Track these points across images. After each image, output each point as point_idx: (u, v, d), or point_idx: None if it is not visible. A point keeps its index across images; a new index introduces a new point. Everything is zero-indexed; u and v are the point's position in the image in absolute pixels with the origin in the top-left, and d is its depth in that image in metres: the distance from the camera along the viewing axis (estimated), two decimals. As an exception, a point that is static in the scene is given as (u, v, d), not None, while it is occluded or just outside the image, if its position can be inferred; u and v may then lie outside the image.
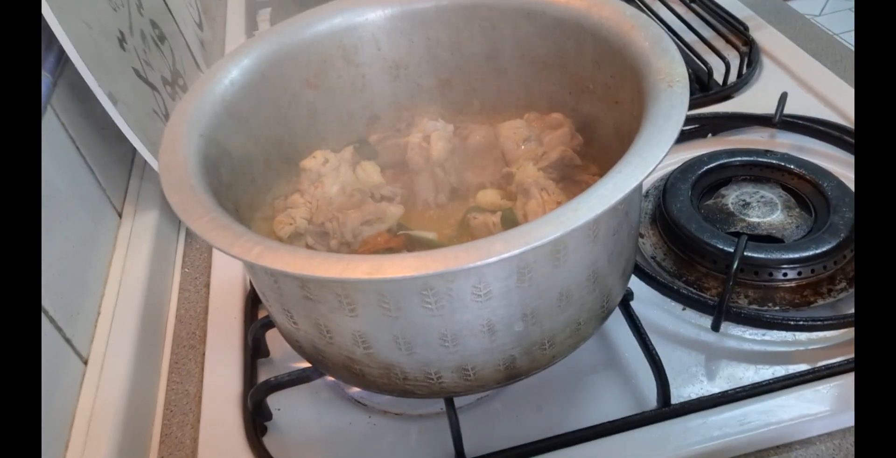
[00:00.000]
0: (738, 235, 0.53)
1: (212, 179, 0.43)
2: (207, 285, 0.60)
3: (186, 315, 0.58)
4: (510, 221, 0.48)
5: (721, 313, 0.49)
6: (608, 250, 0.42)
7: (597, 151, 0.54)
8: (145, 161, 0.58)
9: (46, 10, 0.48)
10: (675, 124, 0.38)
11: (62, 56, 0.53)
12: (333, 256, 0.34)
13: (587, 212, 0.34)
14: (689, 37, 0.80)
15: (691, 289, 0.53)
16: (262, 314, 0.56)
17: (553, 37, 0.52)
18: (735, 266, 0.49)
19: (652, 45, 0.44)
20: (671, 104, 0.39)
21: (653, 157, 0.36)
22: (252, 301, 0.57)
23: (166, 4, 0.77)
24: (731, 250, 0.51)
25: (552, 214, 0.34)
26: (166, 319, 0.57)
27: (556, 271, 0.39)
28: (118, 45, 0.58)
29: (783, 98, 0.64)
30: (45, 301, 0.45)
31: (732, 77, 0.73)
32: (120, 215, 0.60)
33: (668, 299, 0.53)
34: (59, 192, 0.51)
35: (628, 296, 0.50)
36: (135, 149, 0.57)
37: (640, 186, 0.37)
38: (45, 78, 0.50)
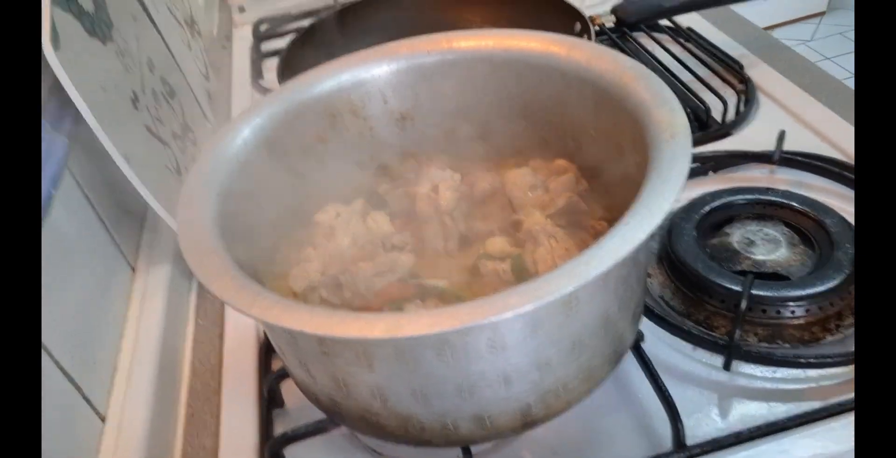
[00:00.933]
0: (744, 273, 0.54)
1: (227, 236, 0.44)
2: (221, 336, 0.61)
3: (201, 368, 0.58)
4: (520, 269, 0.49)
5: (731, 353, 0.49)
6: (619, 297, 0.43)
7: (602, 195, 0.55)
8: (157, 215, 0.59)
9: (63, 76, 0.50)
10: (679, 175, 0.39)
11: (77, 119, 0.54)
12: (350, 314, 0.35)
13: (598, 265, 0.35)
14: (685, 76, 0.82)
15: (700, 328, 0.53)
16: (276, 364, 0.57)
17: (555, 87, 0.54)
18: (743, 306, 0.50)
19: (652, 96, 0.46)
20: (674, 155, 0.40)
21: (659, 208, 0.37)
22: (266, 351, 0.58)
23: (175, 60, 0.79)
24: (739, 288, 0.52)
25: (564, 267, 0.35)
26: (181, 371, 0.58)
27: (568, 320, 0.39)
28: (132, 105, 0.60)
29: (781, 136, 0.66)
30: (63, 358, 0.46)
31: (730, 115, 0.74)
32: (133, 270, 0.61)
33: (679, 339, 0.53)
34: (74, 249, 0.52)
35: (639, 338, 0.50)
36: (147, 203, 0.58)
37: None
38: (62, 141, 0.51)
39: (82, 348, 0.49)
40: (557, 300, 0.34)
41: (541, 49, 0.54)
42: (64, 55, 0.51)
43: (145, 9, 0.75)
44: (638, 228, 0.36)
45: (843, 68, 2.59)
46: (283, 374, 0.53)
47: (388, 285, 0.50)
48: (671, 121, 0.43)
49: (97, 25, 0.58)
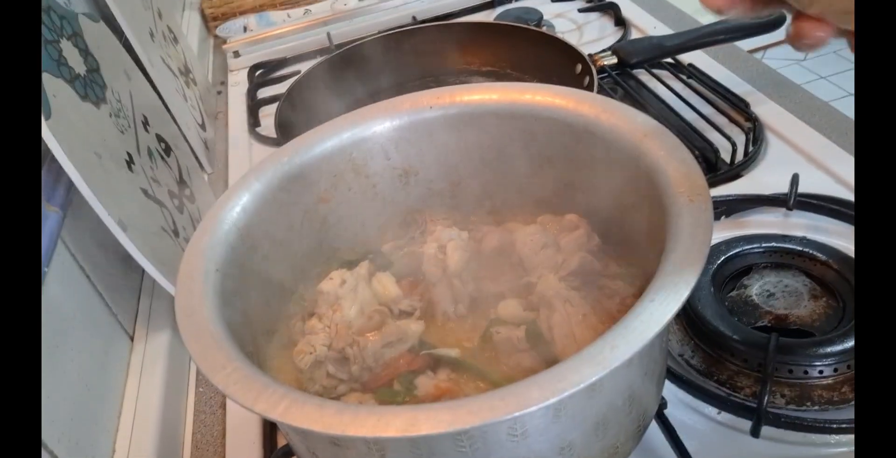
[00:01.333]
0: (766, 329, 0.52)
1: (229, 313, 0.42)
2: (223, 406, 0.58)
3: (203, 440, 0.56)
4: (535, 336, 0.46)
5: (760, 418, 0.47)
6: (643, 370, 0.41)
7: (614, 250, 0.53)
8: (154, 279, 0.57)
9: (55, 147, 0.48)
10: (703, 245, 0.37)
11: (71, 188, 0.52)
12: (363, 409, 0.33)
13: (626, 350, 0.33)
14: (689, 114, 0.80)
15: (724, 389, 0.51)
16: (281, 437, 0.54)
17: (562, 141, 0.52)
18: (769, 369, 0.48)
19: (667, 154, 0.44)
20: (695, 221, 0.39)
21: (685, 283, 0.35)
22: (271, 424, 0.55)
23: (170, 113, 0.78)
24: (762, 347, 0.50)
25: (589, 351, 0.33)
26: (183, 446, 0.55)
27: (591, 402, 0.37)
28: (126, 169, 0.58)
29: (795, 180, 0.64)
30: (58, 445, 0.43)
31: (739, 156, 0.73)
32: (132, 338, 0.59)
33: (703, 402, 0.51)
34: (69, 322, 0.49)
35: (662, 404, 0.48)
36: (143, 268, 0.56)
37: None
38: (55, 213, 0.49)
39: (78, 431, 0.46)
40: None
41: (547, 103, 0.53)
42: (56, 124, 0.49)
43: (139, 64, 0.74)
44: (665, 305, 0.34)
45: (838, 87, 2.59)
46: (289, 451, 0.50)
47: (398, 355, 0.47)
48: (689, 182, 0.41)
49: (90, 88, 0.57)
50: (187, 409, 0.58)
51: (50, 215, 0.49)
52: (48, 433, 0.42)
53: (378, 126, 0.56)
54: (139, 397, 0.54)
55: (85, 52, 0.59)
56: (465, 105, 0.56)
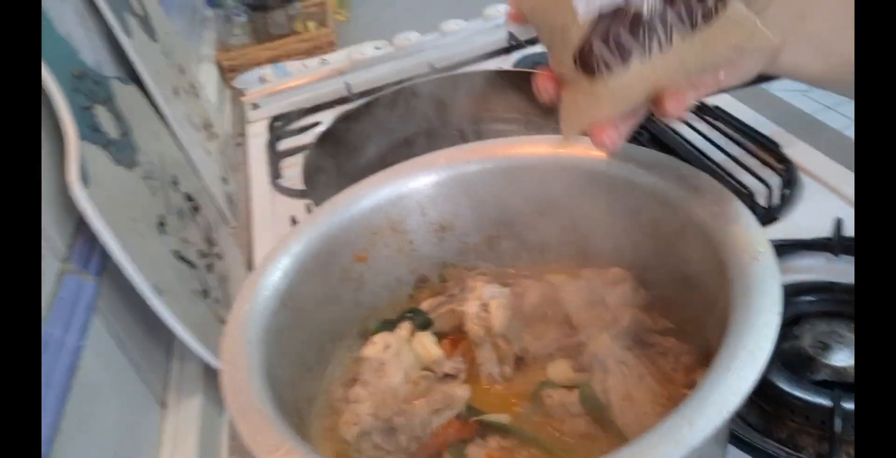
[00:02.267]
0: (826, 384, 0.50)
1: (273, 382, 0.41)
2: (260, 475, 0.56)
3: (240, 512, 0.54)
4: (591, 400, 0.44)
5: (832, 483, 0.44)
6: (714, 439, 0.39)
7: (662, 304, 0.51)
8: (184, 342, 0.56)
9: (92, 214, 0.47)
10: (774, 307, 0.36)
11: (105, 254, 0.51)
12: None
13: (705, 425, 0.31)
14: (718, 156, 0.80)
15: (786, 449, 0.49)
16: (322, 507, 0.52)
17: (604, 194, 0.51)
18: (838, 428, 0.45)
19: (722, 209, 0.43)
20: (762, 281, 0.37)
21: (760, 350, 0.34)
22: (311, 492, 0.53)
23: (196, 170, 0.77)
24: (824, 403, 0.48)
25: (667, 428, 0.31)
26: (219, 519, 0.53)
27: (665, 477, 0.35)
28: (158, 231, 0.57)
29: (839, 224, 0.63)
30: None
31: (775, 199, 0.71)
32: (163, 406, 0.57)
33: (766, 465, 0.48)
34: (101, 393, 0.48)
35: (726, 469, 0.46)
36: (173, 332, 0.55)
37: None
38: (92, 282, 0.48)
39: (114, 511, 0.44)
40: (661, 467, 0.30)
41: (586, 156, 0.52)
42: (93, 192, 0.48)
43: (166, 124, 0.74)
44: (741, 375, 0.33)
45: (844, 116, 2.58)
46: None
47: (447, 423, 0.46)
48: (749, 239, 0.40)
49: (123, 152, 0.57)
50: (222, 480, 0.56)
51: (86, 285, 0.48)
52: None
53: (414, 183, 0.55)
54: (174, 468, 0.52)
55: (118, 117, 0.58)
56: (501, 159, 0.55)
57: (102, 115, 0.56)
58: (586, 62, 0.37)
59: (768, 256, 0.38)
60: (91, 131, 0.52)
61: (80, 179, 0.47)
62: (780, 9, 0.38)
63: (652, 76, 0.37)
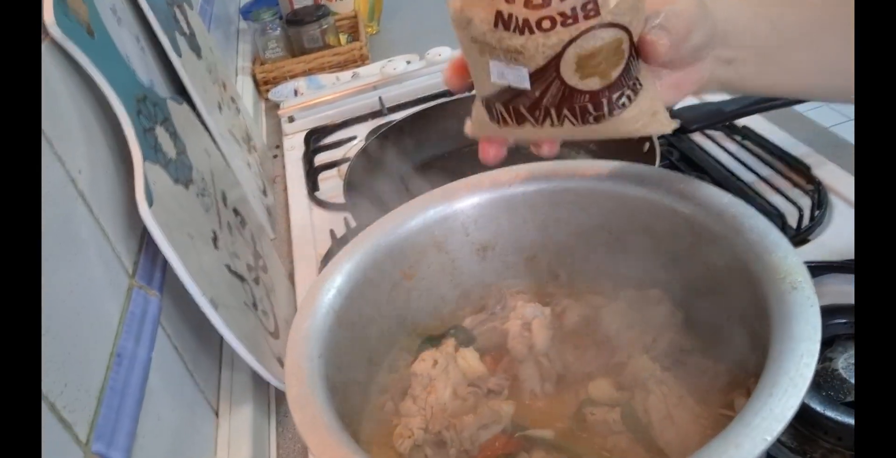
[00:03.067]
0: (859, 406, 0.51)
1: (332, 396, 0.43)
2: (307, 483, 0.59)
3: (289, 518, 0.56)
4: (632, 418, 0.46)
5: (865, 504, 0.46)
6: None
7: (698, 327, 0.53)
8: (233, 350, 0.58)
9: (157, 232, 0.50)
10: (814, 333, 0.37)
11: (165, 270, 0.54)
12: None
13: (750, 448, 0.33)
14: (748, 176, 0.81)
15: (820, 469, 0.50)
16: (367, 515, 0.54)
17: (643, 217, 0.53)
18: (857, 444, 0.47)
19: (760, 237, 0.44)
20: (802, 310, 0.39)
21: (802, 377, 0.35)
22: (356, 500, 0.55)
23: (239, 184, 0.80)
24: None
25: (714, 450, 0.33)
26: (270, 524, 0.55)
27: (707, 496, 0.37)
28: (212, 246, 0.60)
29: (870, 249, 0.64)
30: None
31: (805, 220, 0.73)
32: (217, 414, 0.60)
33: (799, 484, 0.50)
34: (166, 403, 0.50)
35: (761, 489, 0.47)
36: (222, 339, 0.57)
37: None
38: (156, 298, 0.51)
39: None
40: (709, 489, 0.32)
41: (625, 180, 0.54)
42: (156, 210, 0.51)
43: (213, 139, 0.76)
44: (784, 400, 0.34)
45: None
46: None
47: (493, 438, 0.48)
48: (787, 268, 0.42)
49: (180, 170, 0.59)
50: (272, 487, 0.59)
51: (151, 301, 0.50)
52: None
53: (459, 203, 0.57)
54: (228, 476, 0.55)
55: (174, 136, 0.61)
56: (544, 182, 0.57)
57: (162, 135, 0.58)
58: (489, 111, 0.42)
59: (806, 285, 0.40)
60: (153, 152, 0.55)
61: (146, 198, 0.50)
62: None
63: (540, 133, 0.41)
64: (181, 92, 0.76)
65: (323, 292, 0.49)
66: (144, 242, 0.54)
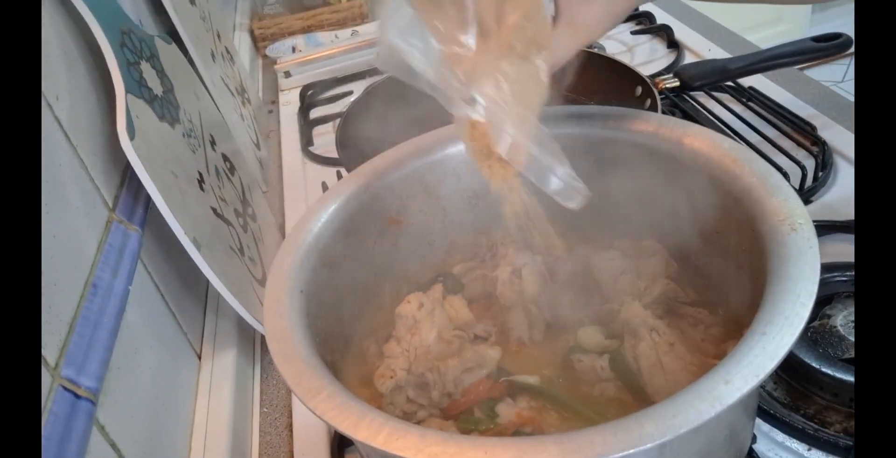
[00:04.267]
0: (854, 362, 0.50)
1: (315, 337, 0.42)
2: (289, 427, 0.58)
3: (270, 462, 0.55)
4: (621, 365, 0.45)
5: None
6: (744, 405, 0.39)
7: (693, 278, 0.52)
8: (219, 295, 0.57)
9: (138, 166, 0.49)
10: (813, 275, 0.36)
11: (148, 206, 0.53)
12: (466, 440, 0.32)
13: (741, 385, 0.31)
14: (753, 137, 0.79)
15: (812, 424, 0.49)
16: (350, 460, 0.54)
17: (642, 165, 0.51)
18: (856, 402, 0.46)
19: (760, 181, 0.43)
20: (800, 251, 0.37)
21: (798, 316, 0.34)
22: (339, 446, 0.54)
23: (231, 132, 0.78)
24: (852, 380, 0.48)
25: (702, 386, 0.32)
26: (250, 467, 0.55)
27: (696, 437, 0.36)
28: (198, 188, 0.58)
29: (874, 207, 0.62)
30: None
31: (809, 180, 0.71)
32: (199, 357, 0.59)
33: (790, 437, 0.49)
34: (146, 341, 0.49)
35: (752, 440, 0.46)
36: (208, 282, 0.56)
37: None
38: (136, 233, 0.50)
39: (156, 449, 0.46)
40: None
41: (625, 127, 0.52)
42: (139, 144, 0.49)
43: (204, 84, 0.74)
44: (778, 339, 0.33)
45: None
46: (364, 477, 0.50)
47: (478, 382, 0.47)
48: (788, 211, 0.40)
49: (166, 108, 0.57)
50: (253, 430, 0.58)
51: (131, 235, 0.49)
52: (132, 453, 0.42)
53: (451, 148, 0.55)
54: (209, 416, 0.54)
55: (161, 74, 0.59)
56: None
57: (147, 71, 0.56)
58: None
59: (807, 227, 0.38)
60: (137, 86, 0.53)
61: (127, 130, 0.48)
62: None
63: None
64: (173, 35, 0.74)
65: (307, 230, 0.48)
66: (127, 177, 0.53)
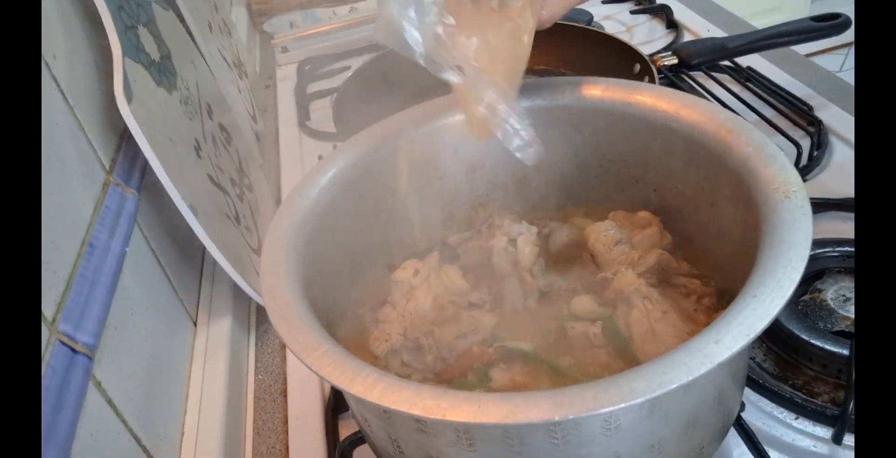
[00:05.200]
0: (844, 334, 0.51)
1: (308, 295, 0.42)
2: (284, 393, 0.58)
3: (265, 428, 0.56)
4: (613, 332, 0.46)
5: (844, 425, 0.46)
6: (733, 369, 0.40)
7: (686, 249, 0.52)
8: (215, 263, 0.57)
9: (135, 129, 0.49)
10: (804, 240, 0.36)
11: (145, 171, 0.53)
12: (460, 395, 0.32)
13: (731, 344, 0.32)
14: (750, 116, 0.79)
15: (801, 394, 0.50)
16: (343, 425, 0.54)
17: (638, 138, 0.52)
18: (854, 376, 0.46)
19: (756, 150, 0.43)
20: (793, 217, 0.38)
21: (789, 279, 0.34)
22: (333, 411, 0.55)
23: (228, 104, 0.78)
24: (841, 352, 0.49)
25: (693, 345, 0.32)
26: (245, 433, 0.55)
27: (686, 398, 0.36)
28: (195, 154, 0.58)
29: (867, 185, 0.63)
30: (136, 427, 0.43)
31: (804, 159, 0.72)
32: (195, 324, 0.59)
33: (778, 406, 0.50)
34: (141, 303, 0.49)
35: (741, 408, 0.47)
36: (204, 250, 0.56)
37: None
38: (133, 196, 0.50)
39: (151, 411, 0.46)
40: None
41: (623, 98, 0.52)
42: (136, 107, 0.49)
43: (201, 53, 0.74)
44: (768, 301, 0.34)
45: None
46: (356, 440, 0.50)
47: (471, 347, 0.47)
48: (783, 179, 0.40)
49: (163, 74, 0.57)
50: (248, 397, 0.58)
51: (128, 198, 0.49)
52: (127, 411, 0.42)
53: (448, 119, 0.55)
54: (204, 382, 0.54)
55: (158, 39, 0.59)
56: (535, 99, 0.55)
57: (145, 36, 0.56)
58: None
59: (800, 194, 0.39)
60: (135, 50, 0.53)
61: (125, 93, 0.48)
62: None
63: None
64: (171, 4, 0.73)
65: (304, 195, 0.48)
66: (125, 141, 0.52)
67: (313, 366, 0.34)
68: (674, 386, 0.31)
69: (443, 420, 0.31)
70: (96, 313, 0.39)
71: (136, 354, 0.46)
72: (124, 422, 0.42)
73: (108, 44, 0.50)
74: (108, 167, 0.49)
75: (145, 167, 0.52)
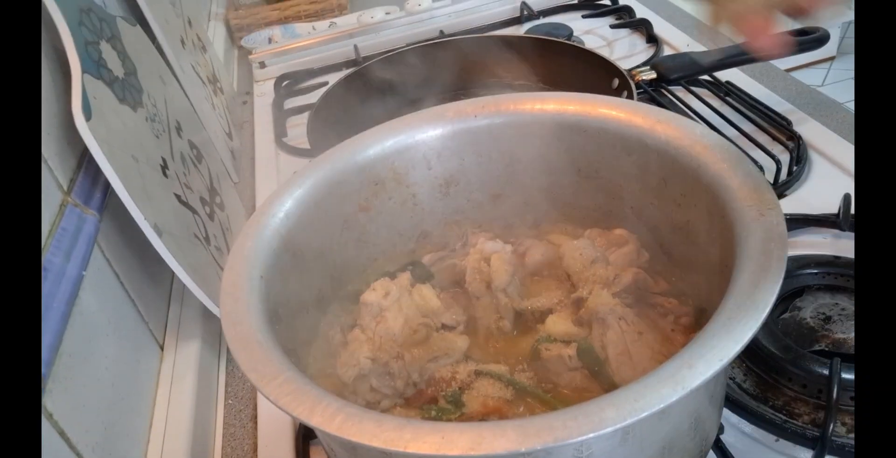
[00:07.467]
0: (824, 353, 0.50)
1: (271, 319, 0.41)
2: (254, 419, 0.56)
3: (233, 454, 0.54)
4: (588, 354, 0.44)
5: (825, 447, 0.44)
6: (710, 393, 0.39)
7: (663, 267, 0.51)
8: (184, 285, 0.55)
9: (94, 148, 0.47)
10: (779, 261, 0.35)
11: (107, 191, 0.51)
12: (424, 426, 0.31)
13: (705, 369, 0.31)
14: (729, 131, 0.79)
15: (780, 415, 0.49)
16: (314, 453, 0.52)
17: (613, 153, 0.51)
18: (835, 397, 0.45)
19: (731, 167, 0.42)
20: (769, 236, 0.37)
21: (764, 301, 0.33)
22: (304, 438, 0.53)
23: (200, 120, 0.77)
24: (822, 372, 0.48)
25: (665, 371, 0.31)
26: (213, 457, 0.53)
27: (660, 424, 0.35)
28: (161, 173, 0.57)
29: (847, 200, 0.62)
30: (92, 457, 0.41)
31: (783, 174, 0.71)
32: (162, 348, 0.57)
33: (758, 428, 0.48)
34: (102, 329, 0.48)
35: (719, 431, 0.46)
36: (173, 273, 0.55)
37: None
38: (93, 217, 0.48)
39: (111, 441, 0.44)
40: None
41: (597, 113, 0.51)
42: (95, 125, 0.48)
43: (172, 70, 0.73)
44: (743, 324, 0.32)
45: (856, 113, 2.57)
46: (326, 468, 0.48)
47: (444, 371, 0.46)
48: (758, 196, 0.40)
49: (127, 91, 0.56)
50: (217, 422, 0.56)
51: (88, 219, 0.47)
52: (83, 442, 0.40)
53: (421, 134, 0.54)
54: (169, 408, 0.52)
55: (123, 55, 0.58)
56: (510, 114, 0.54)
57: (108, 52, 0.55)
58: None
59: (775, 212, 0.38)
60: (96, 67, 0.52)
61: (82, 111, 0.47)
62: None
63: None
64: (141, 20, 0.72)
65: (269, 214, 0.46)
66: (85, 160, 0.51)
67: (271, 396, 0.33)
68: (645, 414, 0.29)
69: (405, 453, 0.30)
70: (48, 340, 0.37)
71: (94, 381, 0.44)
72: (78, 455, 0.40)
73: (67, 60, 0.49)
74: (65, 187, 0.47)
75: (107, 187, 0.51)
